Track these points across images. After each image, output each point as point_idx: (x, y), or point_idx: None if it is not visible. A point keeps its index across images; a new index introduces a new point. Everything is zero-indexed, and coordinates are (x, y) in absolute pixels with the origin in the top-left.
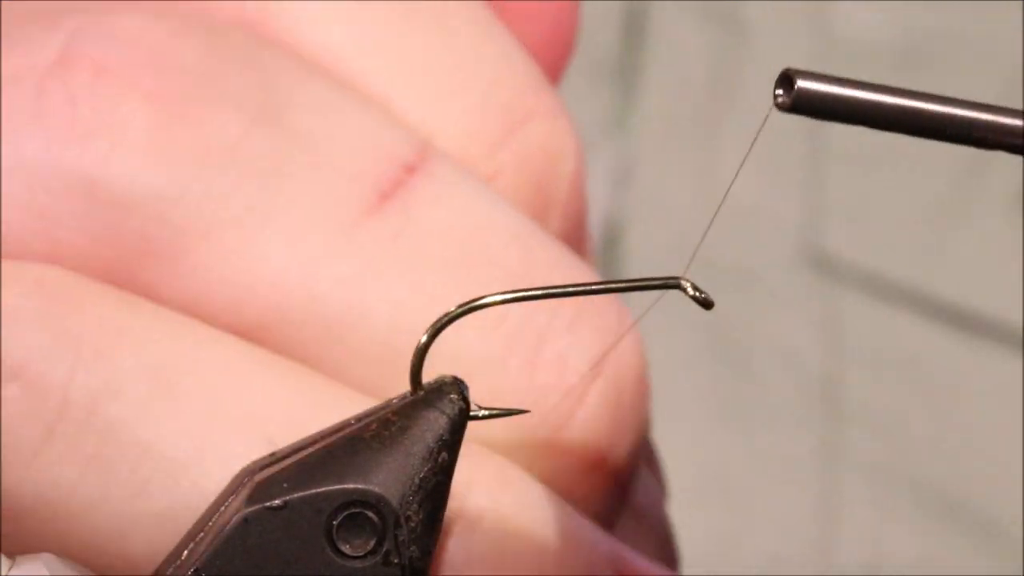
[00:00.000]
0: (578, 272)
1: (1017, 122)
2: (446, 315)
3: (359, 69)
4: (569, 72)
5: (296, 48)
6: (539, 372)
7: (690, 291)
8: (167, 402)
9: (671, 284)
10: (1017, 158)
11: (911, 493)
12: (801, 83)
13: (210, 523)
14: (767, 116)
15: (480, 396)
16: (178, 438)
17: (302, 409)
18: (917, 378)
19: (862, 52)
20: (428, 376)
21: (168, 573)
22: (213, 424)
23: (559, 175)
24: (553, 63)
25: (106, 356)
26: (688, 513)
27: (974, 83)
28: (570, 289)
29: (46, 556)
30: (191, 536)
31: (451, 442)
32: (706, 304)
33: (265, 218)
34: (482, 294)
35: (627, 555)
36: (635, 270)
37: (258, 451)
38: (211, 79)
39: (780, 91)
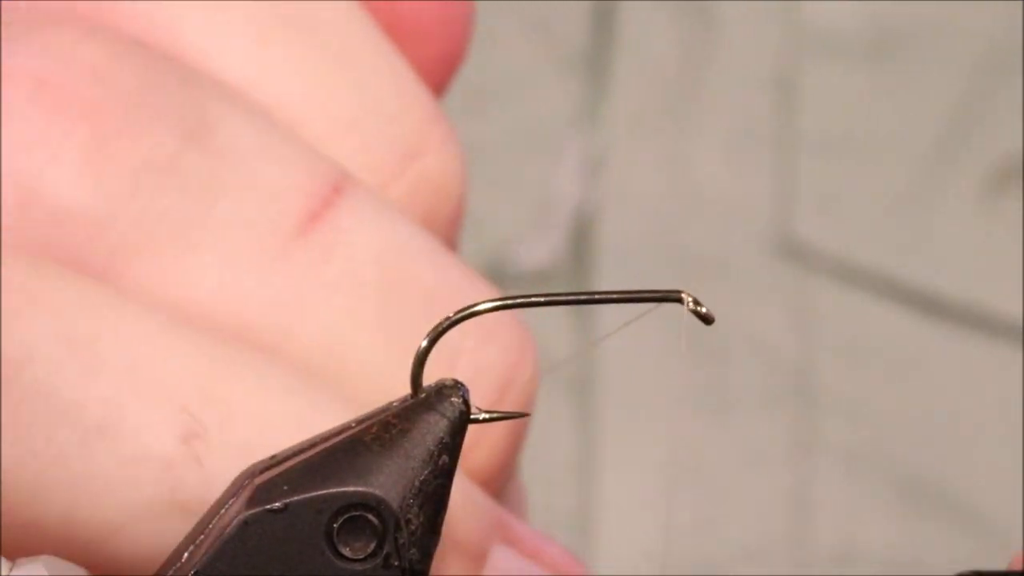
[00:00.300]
0: (484, 289)
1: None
2: (446, 319)
3: (267, 99)
4: (539, 63)
5: (211, 73)
6: None
7: (691, 305)
8: (83, 368)
9: (671, 297)
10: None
11: (884, 480)
12: None
13: (210, 525)
14: None
15: None
16: (95, 405)
17: (223, 383)
18: (889, 365)
19: (832, 43)
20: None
21: (168, 575)
22: (130, 392)
23: (446, 203)
24: (443, 77)
25: (20, 320)
26: (660, 501)
27: (943, 72)
28: (562, 298)
29: (46, 557)
30: (191, 538)
31: (451, 445)
32: (706, 319)
33: (198, 239)
34: (405, 314)
35: (512, 521)
36: (607, 260)
37: (174, 421)
38: (145, 97)
39: None
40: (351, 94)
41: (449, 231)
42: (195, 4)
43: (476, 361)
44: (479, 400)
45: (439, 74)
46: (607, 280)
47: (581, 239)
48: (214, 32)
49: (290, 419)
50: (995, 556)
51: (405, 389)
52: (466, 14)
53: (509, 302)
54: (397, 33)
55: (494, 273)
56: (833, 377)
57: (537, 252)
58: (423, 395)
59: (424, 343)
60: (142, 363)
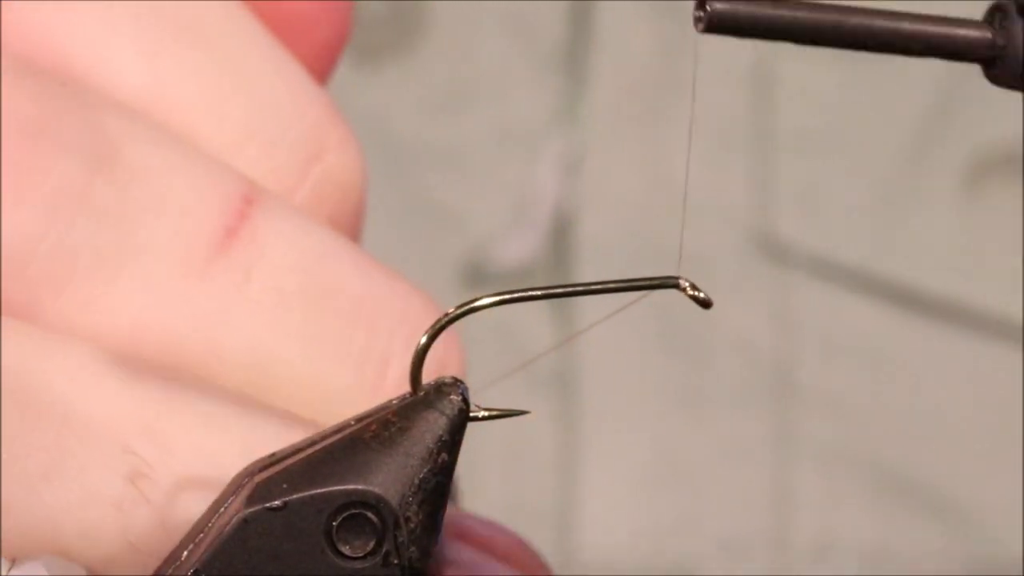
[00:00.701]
0: (407, 287)
1: (941, 29)
2: (446, 315)
3: (163, 112)
4: (518, 61)
5: (104, 91)
6: (384, 394)
7: (688, 290)
8: (22, 417)
9: (669, 284)
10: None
11: (865, 475)
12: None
13: (210, 524)
14: (696, 45)
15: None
16: (37, 453)
17: (162, 418)
18: (869, 360)
19: None
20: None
21: (168, 574)
22: (71, 437)
23: (350, 199)
24: (328, 65)
25: None
26: (642, 497)
27: (919, 67)
28: (560, 290)
29: (46, 556)
30: (191, 537)
31: (451, 443)
32: (705, 304)
33: (117, 268)
34: (331, 320)
35: (460, 516)
36: (586, 259)
37: (118, 462)
38: (47, 126)
39: (699, 13)
40: (246, 100)
41: (354, 226)
42: (81, 19)
43: (406, 362)
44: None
45: (324, 62)
46: (586, 276)
47: (560, 237)
48: (103, 46)
49: (232, 445)
50: (973, 550)
51: (341, 396)
52: (346, 7)
53: (506, 297)
54: (280, 25)
55: (474, 272)
56: (813, 373)
57: (517, 250)
58: (422, 393)
59: (423, 340)
60: (79, 406)
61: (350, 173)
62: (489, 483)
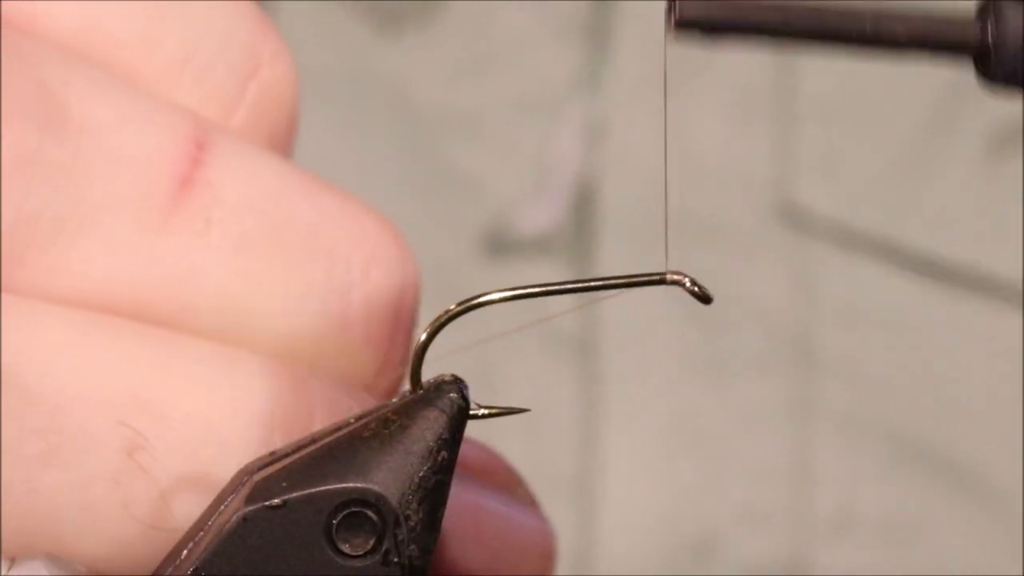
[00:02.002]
0: (359, 207)
1: (929, 26)
2: (446, 312)
3: (100, 51)
4: (539, 28)
5: (40, 34)
6: (351, 323)
7: (688, 285)
8: (13, 399)
9: (670, 280)
10: (989, 106)
11: (884, 443)
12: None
13: (209, 522)
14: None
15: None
16: (32, 437)
17: (151, 386)
18: (889, 328)
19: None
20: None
21: (167, 572)
22: (64, 417)
23: (287, 113)
24: None
25: None
26: (662, 464)
27: None
28: (561, 287)
29: (45, 555)
30: (190, 536)
31: (451, 441)
32: (704, 299)
33: (77, 229)
34: (294, 255)
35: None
36: (609, 228)
37: (113, 437)
38: None
39: (669, 12)
40: (178, 25)
41: (290, 139)
42: None
43: (366, 289)
44: (372, 322)
45: None
46: (608, 245)
47: (582, 205)
48: None
49: (223, 405)
50: (995, 519)
51: (310, 333)
52: None
53: (508, 294)
54: None
55: (495, 239)
56: (833, 341)
57: (538, 218)
58: (422, 391)
59: (423, 336)
60: (69, 384)
61: (285, 85)
62: (510, 450)
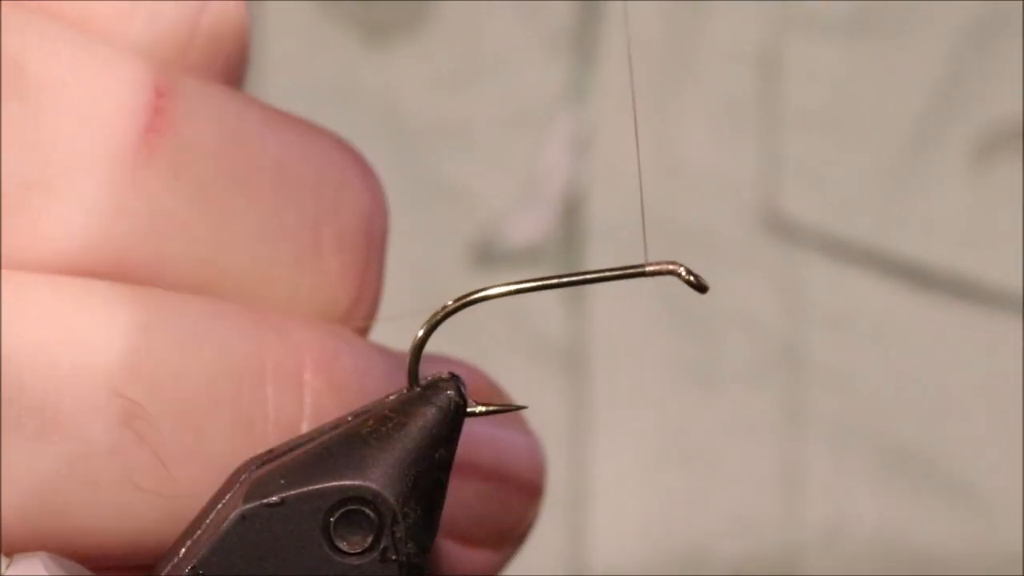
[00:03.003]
0: (318, 138)
1: None
2: (443, 308)
3: (52, 1)
4: (527, 40)
5: None
6: (324, 260)
7: (684, 275)
8: (5, 377)
9: (665, 271)
10: (975, 113)
11: (874, 452)
12: None
13: (207, 520)
14: None
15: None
16: (28, 414)
17: (140, 353)
18: (878, 337)
19: (816, 17)
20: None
21: (166, 571)
22: (59, 390)
23: (237, 48)
24: None
25: None
26: (652, 475)
27: (927, 43)
28: (556, 281)
29: (43, 553)
30: (188, 533)
31: (448, 438)
32: (701, 288)
33: (47, 192)
34: (264, 194)
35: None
36: (596, 238)
37: (109, 407)
38: None
39: None
40: None
41: (242, 71)
42: None
43: (337, 219)
44: (344, 234)
45: None
46: (597, 256)
47: (570, 216)
48: None
49: (211, 363)
50: (984, 527)
51: (285, 274)
52: None
53: (503, 290)
54: None
55: (484, 251)
56: (821, 350)
57: (527, 229)
58: (419, 388)
59: (420, 333)
60: (60, 356)
61: (235, 13)
62: None
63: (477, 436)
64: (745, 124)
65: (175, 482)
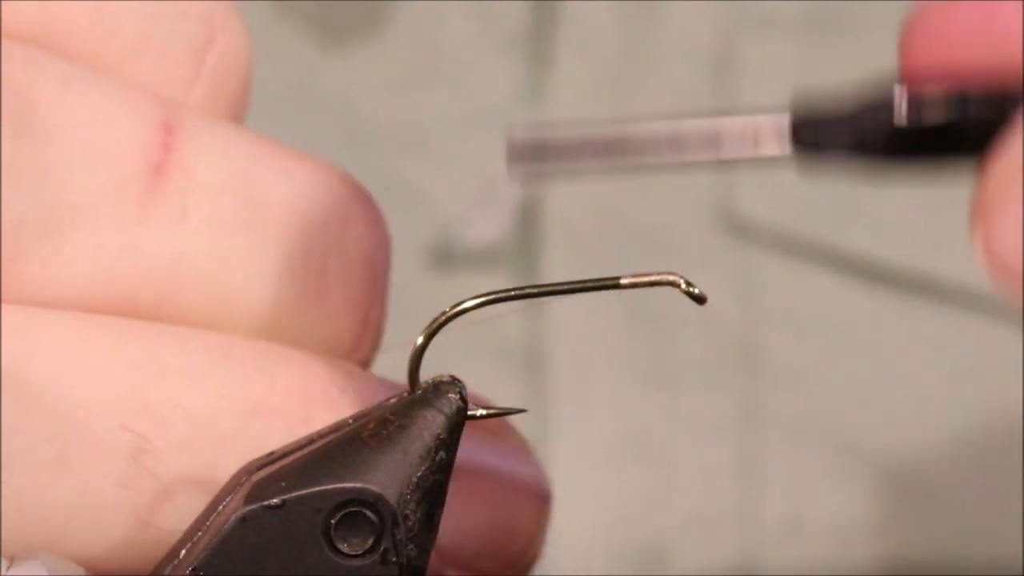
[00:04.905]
0: (318, 169)
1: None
2: (443, 314)
3: (60, 41)
4: (482, 42)
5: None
6: (331, 293)
7: (684, 287)
8: (22, 406)
9: (663, 282)
10: None
11: (832, 449)
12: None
13: (208, 522)
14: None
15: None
16: (42, 445)
17: (149, 388)
18: (834, 335)
19: (768, 18)
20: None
21: (166, 572)
22: (70, 425)
23: (242, 79)
24: None
25: None
26: (610, 474)
27: (879, 43)
28: (552, 289)
29: (44, 554)
30: (189, 535)
31: (449, 441)
32: (699, 300)
33: (58, 231)
34: (271, 231)
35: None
36: (554, 239)
37: (118, 442)
38: None
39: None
40: (134, 6)
41: (245, 104)
42: None
43: (342, 255)
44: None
45: None
46: (553, 256)
47: (527, 217)
48: None
49: (220, 399)
50: (941, 523)
51: (292, 308)
52: None
53: (498, 296)
54: None
55: (441, 252)
56: (778, 348)
57: (484, 231)
58: (420, 391)
59: (420, 340)
60: (71, 390)
61: (239, 50)
62: None
63: (481, 467)
64: None
65: (177, 517)
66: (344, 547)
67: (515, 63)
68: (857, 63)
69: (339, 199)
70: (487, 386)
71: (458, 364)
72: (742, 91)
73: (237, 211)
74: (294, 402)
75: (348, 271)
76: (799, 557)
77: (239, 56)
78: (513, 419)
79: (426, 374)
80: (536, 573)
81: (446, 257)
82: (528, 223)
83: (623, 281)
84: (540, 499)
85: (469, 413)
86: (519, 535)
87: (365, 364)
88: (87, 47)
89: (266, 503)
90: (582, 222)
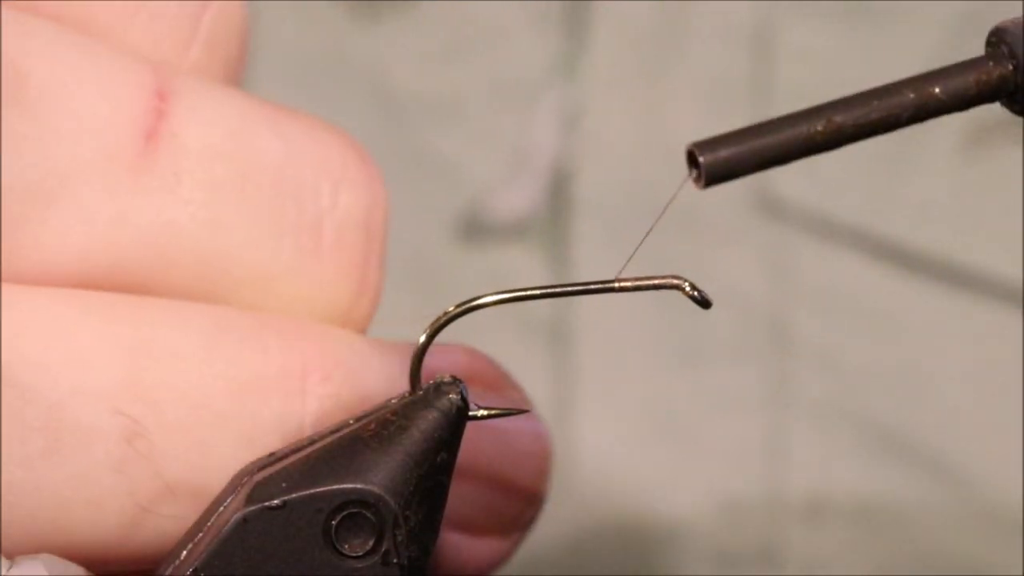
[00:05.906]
0: (318, 130)
1: (946, 84)
2: (445, 314)
3: (54, 2)
4: (517, 13)
5: None
6: (325, 257)
7: (688, 290)
8: (15, 396)
9: (667, 285)
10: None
11: (858, 430)
12: (705, 158)
13: (209, 523)
14: (679, 188)
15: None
16: (34, 434)
17: (142, 371)
18: (865, 318)
19: (811, 1)
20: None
21: (168, 573)
22: (63, 412)
23: (239, 40)
24: None
25: None
26: (636, 450)
27: (919, 25)
28: (560, 290)
29: (45, 555)
30: (190, 536)
31: (449, 442)
32: (704, 304)
33: (49, 200)
34: (265, 194)
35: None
36: (584, 213)
37: (112, 426)
38: None
39: (693, 171)
40: None
41: (242, 65)
42: None
43: (337, 216)
44: (345, 234)
45: None
46: (583, 230)
47: (558, 191)
48: None
49: (214, 379)
50: (967, 507)
51: (285, 273)
52: None
53: (506, 296)
54: None
55: (471, 224)
56: (808, 329)
57: (514, 203)
58: (421, 392)
59: (422, 339)
60: (64, 377)
61: (236, 12)
62: None
63: (481, 424)
64: (735, 103)
65: (175, 502)
66: (345, 548)
67: (550, 36)
68: (895, 46)
69: (333, 157)
70: (513, 361)
71: (484, 338)
72: (779, 72)
73: (230, 177)
74: (289, 377)
75: (343, 232)
76: (822, 536)
77: (235, 18)
78: (536, 394)
79: (454, 345)
80: (561, 554)
81: (476, 229)
82: (559, 196)
83: (626, 284)
84: (540, 456)
85: (470, 414)
86: (519, 492)
87: (363, 325)
88: (79, 10)
89: (267, 504)
90: (613, 197)
